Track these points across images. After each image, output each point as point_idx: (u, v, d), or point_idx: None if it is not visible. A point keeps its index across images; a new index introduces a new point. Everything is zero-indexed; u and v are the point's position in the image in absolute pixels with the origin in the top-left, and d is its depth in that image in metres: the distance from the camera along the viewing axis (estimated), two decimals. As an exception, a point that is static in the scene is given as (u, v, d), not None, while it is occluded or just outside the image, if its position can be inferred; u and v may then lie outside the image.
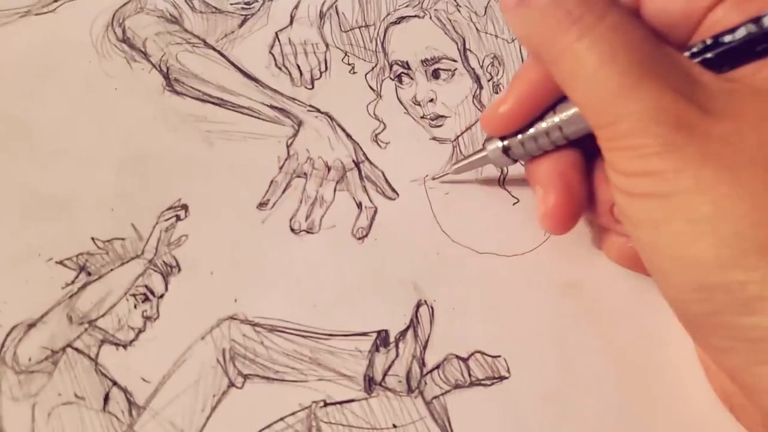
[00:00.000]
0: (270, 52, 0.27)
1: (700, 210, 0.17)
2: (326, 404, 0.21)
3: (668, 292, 0.19)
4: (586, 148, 0.22)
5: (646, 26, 0.20)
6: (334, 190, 0.24)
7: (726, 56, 0.19)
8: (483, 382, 0.22)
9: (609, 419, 0.21)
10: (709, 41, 0.19)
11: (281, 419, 0.20)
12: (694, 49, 0.19)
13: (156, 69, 0.25)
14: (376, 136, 0.26)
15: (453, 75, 0.27)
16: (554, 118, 0.21)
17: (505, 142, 0.22)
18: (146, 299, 0.22)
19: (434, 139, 0.26)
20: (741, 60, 0.19)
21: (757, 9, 0.19)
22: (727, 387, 0.22)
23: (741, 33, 0.19)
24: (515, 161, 0.23)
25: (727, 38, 0.19)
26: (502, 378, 0.22)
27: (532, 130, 0.21)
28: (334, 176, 0.25)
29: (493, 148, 0.22)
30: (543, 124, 0.21)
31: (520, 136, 0.22)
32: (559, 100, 0.21)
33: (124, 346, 0.21)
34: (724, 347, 0.18)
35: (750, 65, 0.19)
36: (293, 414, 0.21)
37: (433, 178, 0.25)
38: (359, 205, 0.24)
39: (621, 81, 0.18)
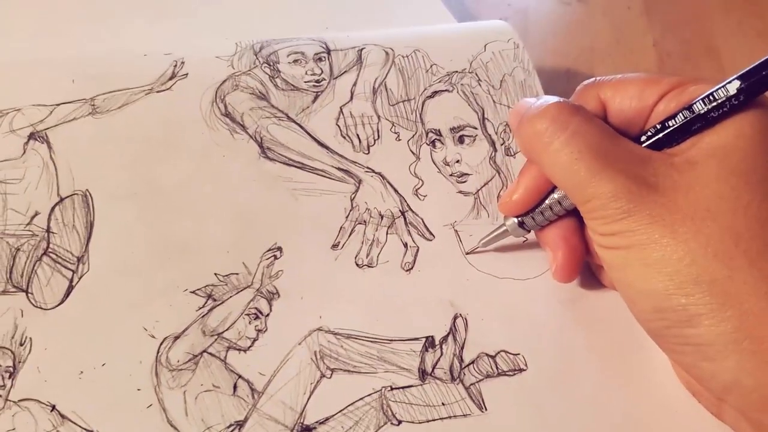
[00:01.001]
0: (336, 124, 0.34)
1: (650, 257, 0.24)
2: (392, 388, 0.28)
3: (635, 313, 0.26)
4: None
5: (604, 126, 0.27)
6: (386, 234, 0.32)
7: (670, 136, 0.26)
8: (507, 373, 0.29)
9: (604, 401, 0.29)
10: (658, 126, 0.26)
11: (361, 399, 0.28)
12: (649, 133, 0.27)
13: (253, 139, 0.33)
14: (416, 190, 0.33)
15: (474, 140, 0.35)
16: (554, 196, 0.29)
17: (520, 219, 0.30)
18: (257, 317, 0.29)
19: (460, 192, 0.33)
20: (680, 138, 0.26)
21: (688, 99, 0.26)
22: (688, 378, 0.28)
23: (679, 118, 0.26)
24: (529, 231, 0.30)
25: (670, 122, 0.26)
26: (521, 370, 0.29)
27: (539, 208, 0.29)
28: (386, 223, 0.32)
29: (510, 223, 0.30)
30: (547, 202, 0.29)
31: (531, 214, 0.30)
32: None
33: (245, 351, 0.28)
34: (679, 351, 0.25)
35: (689, 140, 0.26)
36: (369, 395, 0.28)
37: (467, 253, 0.32)
38: (405, 245, 0.32)
39: (586, 173, 0.25)
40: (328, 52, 0.36)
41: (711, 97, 0.25)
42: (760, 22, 0.47)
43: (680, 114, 0.26)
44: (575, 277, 0.30)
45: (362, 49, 0.36)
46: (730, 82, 0.25)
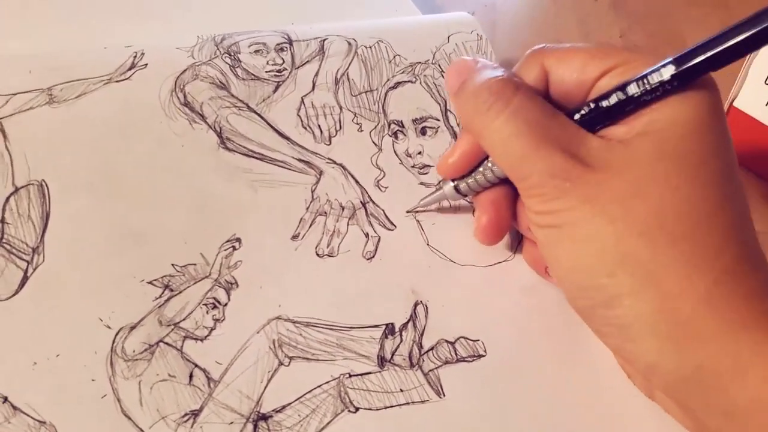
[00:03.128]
0: (297, 114, 0.34)
1: (580, 234, 0.24)
2: (350, 375, 0.28)
3: (564, 291, 0.26)
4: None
5: (544, 103, 0.26)
6: (347, 225, 0.32)
7: (604, 116, 0.25)
8: (466, 359, 0.29)
9: (560, 387, 0.29)
10: (592, 105, 0.26)
11: (318, 386, 0.28)
12: (582, 111, 0.26)
13: (212, 129, 0.32)
14: (378, 182, 0.33)
15: (436, 132, 0.35)
16: (488, 163, 0.29)
17: (455, 183, 0.30)
18: (215, 307, 0.29)
19: (422, 183, 0.33)
20: (614, 118, 0.25)
21: (631, 77, 0.25)
22: (622, 361, 0.29)
23: (613, 99, 0.25)
24: (464, 196, 0.31)
25: (603, 103, 0.25)
26: (480, 356, 0.29)
27: (473, 174, 0.29)
28: (347, 214, 0.32)
29: (447, 187, 0.30)
30: (480, 168, 0.29)
31: (466, 179, 0.30)
32: None
33: (201, 340, 0.28)
34: (605, 332, 0.25)
35: (621, 122, 0.25)
36: (327, 382, 0.28)
37: (407, 211, 0.32)
38: (367, 235, 0.32)
39: (524, 150, 0.25)
40: (290, 42, 0.36)
41: (644, 81, 0.24)
42: (725, 13, 0.48)
43: (614, 95, 0.25)
44: (496, 242, 0.30)
45: (325, 39, 0.36)
46: (664, 66, 0.24)
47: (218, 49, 0.34)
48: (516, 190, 0.28)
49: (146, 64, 0.33)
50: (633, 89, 0.25)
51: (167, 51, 0.34)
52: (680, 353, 0.23)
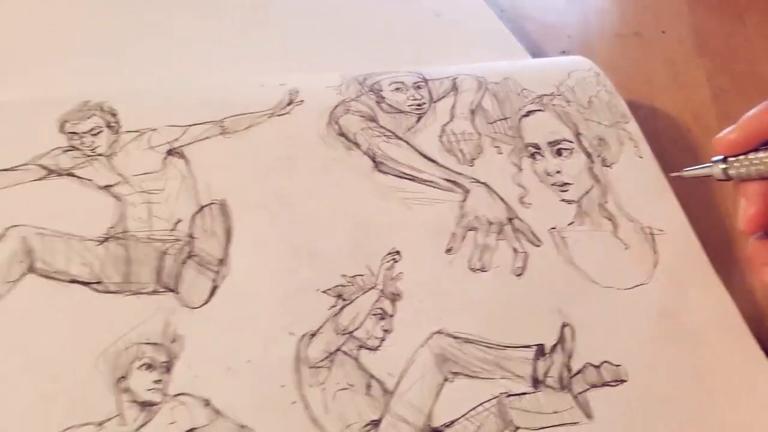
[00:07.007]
0: (440, 140, 0.36)
1: None
2: (509, 395, 0.29)
3: None
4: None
5: None
6: (496, 239, 0.33)
7: None
8: (610, 383, 0.30)
9: (695, 410, 0.29)
10: None
11: (480, 404, 0.29)
12: None
13: (366, 155, 0.35)
14: (521, 199, 0.35)
15: (572, 153, 0.37)
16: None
17: (727, 166, 0.30)
18: (383, 318, 0.31)
19: (563, 200, 0.35)
20: None
21: None
22: None
23: None
24: (730, 179, 0.31)
25: None
26: (623, 381, 0.30)
27: (750, 156, 0.30)
28: (495, 229, 0.34)
29: (717, 169, 0.31)
30: (760, 153, 0.29)
31: (739, 158, 0.30)
32: None
33: (374, 350, 0.30)
34: None
35: None
36: (488, 401, 0.29)
37: (671, 175, 0.34)
38: (515, 251, 0.33)
39: None
40: (426, 81, 0.39)
41: None
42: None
43: None
44: (757, 231, 0.30)
45: (456, 78, 0.39)
46: None
47: (362, 87, 0.38)
48: None
49: (302, 101, 0.36)
50: None
51: (318, 89, 0.37)
52: None
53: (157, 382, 0.27)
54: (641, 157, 0.38)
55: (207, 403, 0.27)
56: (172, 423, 0.27)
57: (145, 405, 0.27)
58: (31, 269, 0.29)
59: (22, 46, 0.41)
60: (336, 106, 0.37)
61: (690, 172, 0.32)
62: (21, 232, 0.30)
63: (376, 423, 0.28)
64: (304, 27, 0.45)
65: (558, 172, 0.36)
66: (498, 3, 0.51)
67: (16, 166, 0.32)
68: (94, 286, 0.29)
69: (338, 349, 0.30)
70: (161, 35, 0.43)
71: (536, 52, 0.47)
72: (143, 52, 0.41)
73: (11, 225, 0.30)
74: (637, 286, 0.33)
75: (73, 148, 0.32)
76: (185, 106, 0.35)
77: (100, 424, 0.26)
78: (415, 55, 0.44)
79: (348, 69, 0.39)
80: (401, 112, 0.37)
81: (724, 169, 0.30)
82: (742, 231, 0.31)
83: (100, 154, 0.32)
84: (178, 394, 0.27)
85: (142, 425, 0.27)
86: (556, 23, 0.52)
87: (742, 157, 0.30)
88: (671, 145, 0.42)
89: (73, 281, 0.29)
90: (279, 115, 0.36)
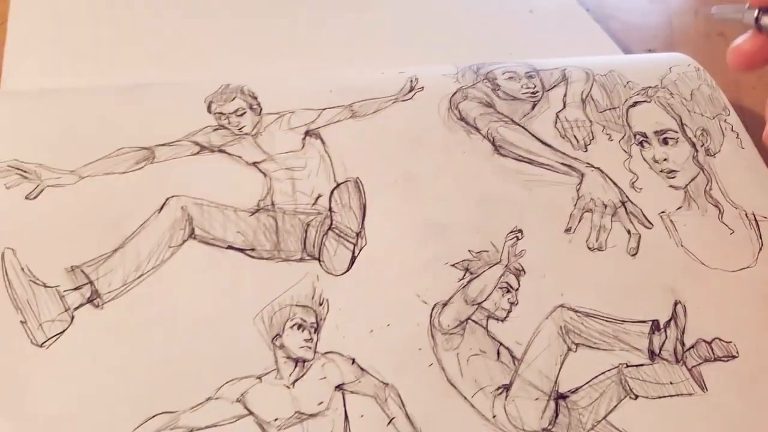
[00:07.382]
0: (555, 127, 0.38)
1: None
2: (627, 366, 0.31)
3: None
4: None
5: None
6: (611, 221, 0.35)
7: None
8: (722, 358, 0.32)
9: None
10: None
11: (602, 373, 0.31)
12: None
13: (486, 139, 0.37)
14: (632, 183, 0.37)
15: (677, 142, 0.38)
16: None
17: (760, 13, 0.30)
18: (508, 291, 0.32)
19: (671, 186, 0.37)
20: None
21: None
22: None
23: None
24: (761, 30, 0.31)
25: None
26: (733, 357, 0.32)
27: None
28: (609, 211, 0.35)
29: (748, 13, 0.31)
30: None
31: None
32: None
33: (501, 321, 0.32)
34: None
35: None
36: (609, 370, 0.31)
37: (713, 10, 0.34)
38: (629, 232, 0.35)
39: None
40: (536, 71, 0.40)
41: None
42: None
43: None
44: (747, 68, 0.31)
45: (565, 69, 0.41)
46: None
47: (477, 75, 0.39)
48: None
49: (423, 87, 0.38)
50: None
51: (436, 76, 0.39)
52: None
53: (308, 340, 0.30)
54: (743, 148, 0.39)
55: (353, 361, 0.30)
56: (323, 378, 0.29)
57: (299, 361, 0.29)
58: (192, 236, 0.32)
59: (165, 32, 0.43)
60: (455, 93, 0.39)
61: (723, 10, 0.33)
62: (181, 202, 0.32)
63: (507, 387, 0.30)
64: (401, 22, 0.48)
65: (665, 159, 0.38)
66: (584, 2, 0.52)
67: (172, 142, 0.34)
68: (249, 252, 0.32)
69: (468, 318, 0.32)
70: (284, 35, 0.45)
71: (624, 51, 0.48)
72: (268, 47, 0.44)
73: (172, 195, 0.33)
74: (743, 268, 0.35)
75: (222, 126, 0.35)
76: (317, 92, 0.37)
77: (260, 377, 0.29)
78: (509, 49, 0.46)
79: (453, 60, 0.41)
80: (516, 99, 0.39)
81: (757, 17, 0.31)
82: (732, 63, 0.31)
83: (246, 133, 0.35)
84: (327, 352, 0.30)
85: (297, 379, 0.29)
86: (640, 23, 0.53)
87: None
88: (759, 146, 0.44)
89: (230, 247, 0.32)
90: (403, 101, 0.38)
